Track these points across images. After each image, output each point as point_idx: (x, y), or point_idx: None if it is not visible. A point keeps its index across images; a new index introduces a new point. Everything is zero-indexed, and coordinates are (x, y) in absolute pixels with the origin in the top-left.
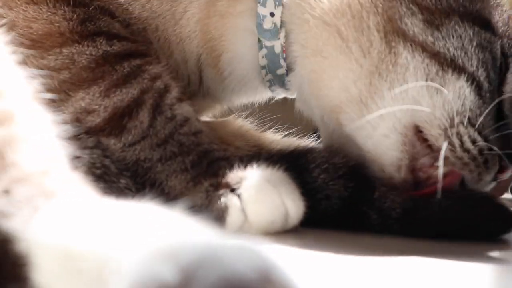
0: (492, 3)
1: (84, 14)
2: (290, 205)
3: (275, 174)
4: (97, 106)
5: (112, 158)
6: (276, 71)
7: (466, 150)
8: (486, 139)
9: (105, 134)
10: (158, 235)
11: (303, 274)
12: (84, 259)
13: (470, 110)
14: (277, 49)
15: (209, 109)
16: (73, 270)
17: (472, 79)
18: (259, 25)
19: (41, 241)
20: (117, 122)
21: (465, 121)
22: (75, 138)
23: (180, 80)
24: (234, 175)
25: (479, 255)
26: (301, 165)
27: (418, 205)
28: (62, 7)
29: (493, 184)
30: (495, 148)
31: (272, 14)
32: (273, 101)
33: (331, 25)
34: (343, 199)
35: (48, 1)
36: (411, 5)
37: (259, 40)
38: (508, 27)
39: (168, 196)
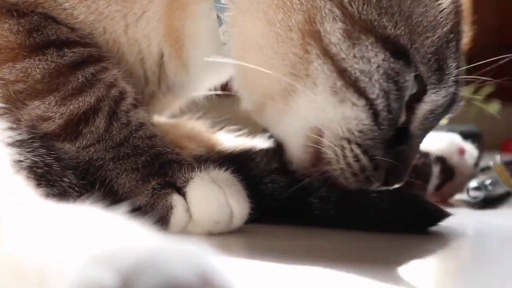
0: (419, 28)
1: (30, 24)
2: (235, 206)
3: (221, 175)
4: (52, 114)
5: (59, 156)
6: None
7: (348, 165)
8: (371, 158)
9: (60, 140)
10: (99, 240)
11: (245, 278)
12: (24, 264)
13: (362, 132)
14: None
15: (170, 107)
16: (14, 275)
17: (370, 106)
18: (217, 0)
19: None
20: (72, 128)
21: (353, 139)
22: (20, 141)
23: (135, 83)
24: (181, 175)
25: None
26: (246, 159)
27: (353, 200)
28: (7, 20)
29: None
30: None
31: None
32: (224, 102)
33: (271, 22)
34: (288, 184)
35: None
36: (335, 8)
37: (218, 17)
38: (436, 51)
39: (116, 194)
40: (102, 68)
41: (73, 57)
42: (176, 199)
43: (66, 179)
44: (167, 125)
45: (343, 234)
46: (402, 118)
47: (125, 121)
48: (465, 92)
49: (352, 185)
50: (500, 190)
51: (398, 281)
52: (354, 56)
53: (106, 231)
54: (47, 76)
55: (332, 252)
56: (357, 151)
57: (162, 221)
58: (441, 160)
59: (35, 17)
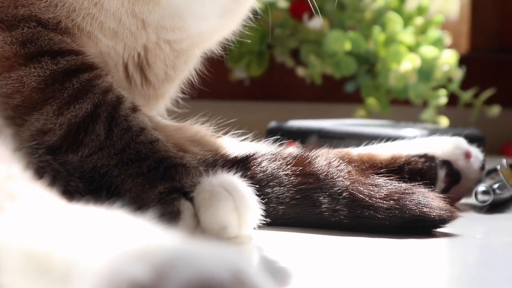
0: None
1: (22, 37)
2: (245, 211)
3: (230, 179)
4: (52, 125)
5: (64, 162)
6: None
7: None
8: None
9: (62, 151)
10: (127, 239)
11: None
12: (50, 259)
13: None
14: None
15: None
16: (39, 270)
17: None
18: None
19: (5, 241)
20: (73, 138)
21: None
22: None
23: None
24: (188, 180)
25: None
26: (251, 162)
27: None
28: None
29: None
30: None
31: None
32: (230, 105)
33: None
34: (295, 185)
35: None
36: None
37: None
38: None
39: (123, 200)
40: (97, 75)
41: (67, 65)
42: (183, 204)
43: (72, 183)
44: (170, 128)
45: (343, 237)
46: None
47: (125, 127)
48: (466, 96)
49: None
50: (508, 193)
51: (403, 285)
52: None
53: (133, 231)
54: (43, 83)
55: (332, 257)
56: None
57: (171, 226)
58: (446, 164)
59: (25, 29)
